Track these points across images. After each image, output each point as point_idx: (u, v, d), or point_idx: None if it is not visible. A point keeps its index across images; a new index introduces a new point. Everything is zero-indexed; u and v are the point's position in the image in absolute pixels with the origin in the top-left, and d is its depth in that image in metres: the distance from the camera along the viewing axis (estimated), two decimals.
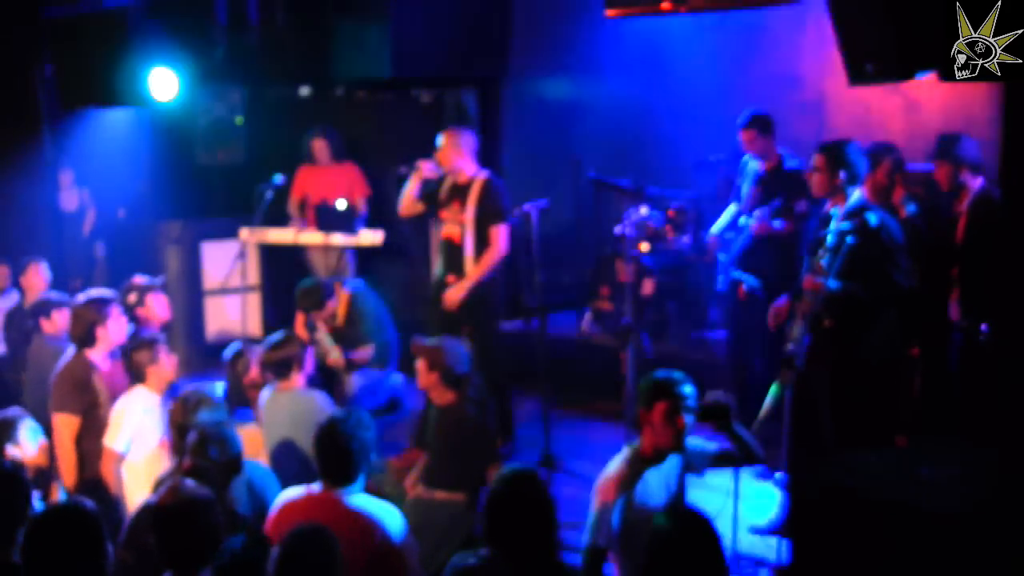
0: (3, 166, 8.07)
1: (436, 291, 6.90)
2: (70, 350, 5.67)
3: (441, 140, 6.70)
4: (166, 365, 5.39)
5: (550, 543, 3.58)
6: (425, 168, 6.71)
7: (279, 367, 5.49)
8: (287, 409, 5.40)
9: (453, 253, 6.74)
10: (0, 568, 3.59)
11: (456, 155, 6.66)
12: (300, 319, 7.46)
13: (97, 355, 5.61)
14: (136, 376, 5.37)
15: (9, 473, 3.99)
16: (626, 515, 4.21)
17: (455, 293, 6.65)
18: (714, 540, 3.31)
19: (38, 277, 7.15)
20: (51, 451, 5.20)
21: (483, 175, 6.73)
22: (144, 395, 5.32)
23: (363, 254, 8.59)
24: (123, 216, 9.35)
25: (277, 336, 5.64)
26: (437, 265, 7.01)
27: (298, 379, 5.49)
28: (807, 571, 4.34)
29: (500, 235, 6.61)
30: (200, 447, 4.30)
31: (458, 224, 6.69)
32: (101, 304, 5.66)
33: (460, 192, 6.69)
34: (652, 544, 3.29)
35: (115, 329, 5.65)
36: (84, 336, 5.57)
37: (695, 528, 3.32)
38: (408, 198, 6.84)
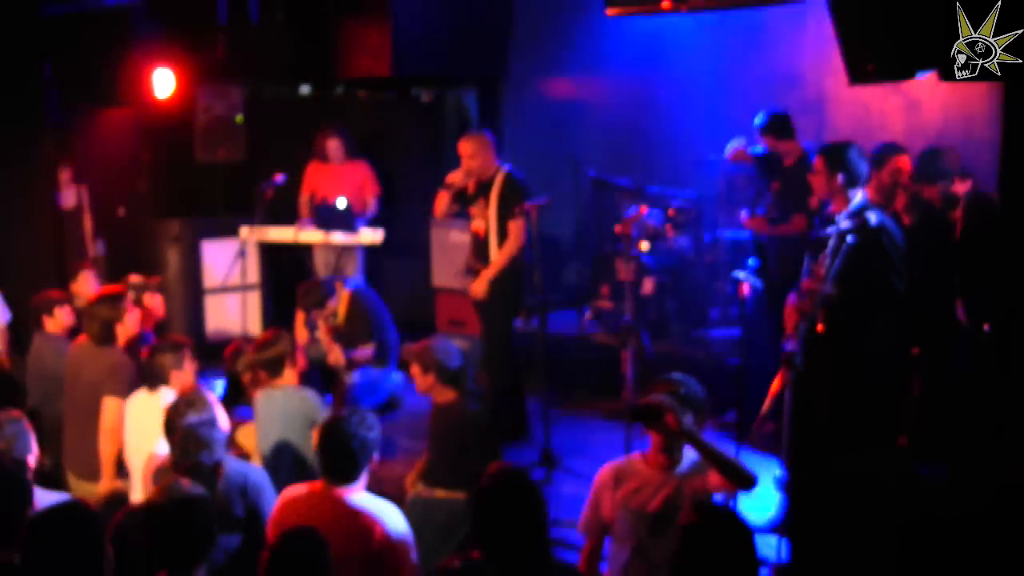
0: (3, 164, 8.06)
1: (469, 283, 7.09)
2: (90, 345, 5.72)
3: (467, 148, 6.85)
4: (189, 372, 5.40)
5: (540, 541, 3.57)
6: (455, 181, 6.91)
7: (271, 365, 5.48)
8: (280, 406, 5.41)
9: (479, 247, 6.98)
10: (0, 569, 3.58)
11: (485, 158, 6.87)
12: (300, 318, 7.47)
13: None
14: (159, 378, 5.35)
15: (9, 473, 3.99)
16: (602, 505, 4.18)
17: (478, 285, 6.88)
18: (746, 538, 3.25)
19: (89, 283, 7.12)
20: None
21: (504, 170, 6.93)
22: (168, 396, 5.30)
23: (369, 252, 8.59)
24: (123, 214, 9.34)
25: (266, 335, 5.64)
26: (468, 258, 7.19)
27: (291, 376, 5.49)
28: (807, 570, 4.35)
29: (519, 227, 6.80)
30: (181, 448, 4.34)
31: (483, 219, 6.91)
32: (115, 300, 5.77)
33: (484, 189, 6.89)
34: (683, 540, 3.25)
35: (132, 322, 5.78)
36: (104, 333, 5.67)
37: (725, 526, 3.26)
38: (442, 205, 7.01)
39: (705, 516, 3.30)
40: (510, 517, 3.48)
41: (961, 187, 5.91)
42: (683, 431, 3.98)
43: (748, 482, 3.94)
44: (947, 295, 5.87)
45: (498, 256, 6.85)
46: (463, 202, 7.03)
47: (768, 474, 5.96)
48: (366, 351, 7.21)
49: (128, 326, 5.75)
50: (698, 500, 3.91)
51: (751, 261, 6.62)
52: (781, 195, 6.90)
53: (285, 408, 5.37)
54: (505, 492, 3.53)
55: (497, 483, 3.57)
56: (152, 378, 5.36)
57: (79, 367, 5.77)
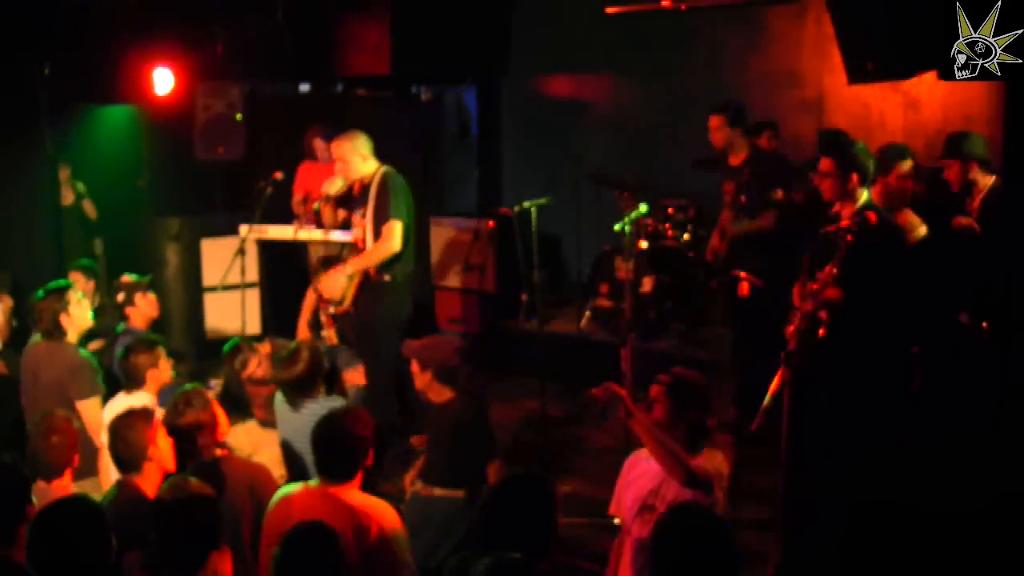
0: (3, 162, 8.06)
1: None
2: (43, 343, 5.64)
3: (336, 151, 6.55)
4: (165, 370, 5.36)
5: (548, 545, 3.56)
6: (329, 191, 6.62)
7: (305, 384, 5.28)
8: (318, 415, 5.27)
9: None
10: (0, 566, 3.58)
11: (357, 162, 6.54)
12: (305, 314, 7.46)
13: (73, 341, 5.65)
14: (135, 380, 5.30)
15: (9, 469, 3.98)
16: (621, 489, 4.23)
17: (332, 281, 6.46)
18: (720, 533, 3.27)
19: (78, 285, 7.06)
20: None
21: (380, 171, 6.59)
22: (145, 398, 5.25)
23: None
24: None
25: (287, 352, 5.38)
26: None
27: (322, 387, 5.38)
28: (805, 569, 4.35)
29: (392, 231, 6.41)
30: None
31: (362, 227, 6.61)
32: (59, 293, 5.66)
33: (364, 193, 6.59)
34: (657, 536, 3.26)
35: (79, 314, 5.67)
36: (52, 327, 5.59)
37: (698, 521, 3.28)
38: (327, 217, 6.79)
39: (676, 514, 3.32)
40: (523, 522, 3.47)
41: (982, 178, 5.87)
42: (627, 419, 4.00)
43: (687, 477, 3.91)
44: (948, 293, 5.86)
45: (362, 256, 6.41)
46: (350, 205, 6.68)
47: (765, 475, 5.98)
48: (358, 376, 7.13)
49: (75, 318, 5.63)
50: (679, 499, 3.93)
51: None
52: (741, 194, 6.73)
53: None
54: (522, 495, 3.52)
55: (514, 486, 3.56)
56: (129, 380, 5.28)
57: (37, 368, 5.64)
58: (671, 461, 3.93)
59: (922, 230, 5.79)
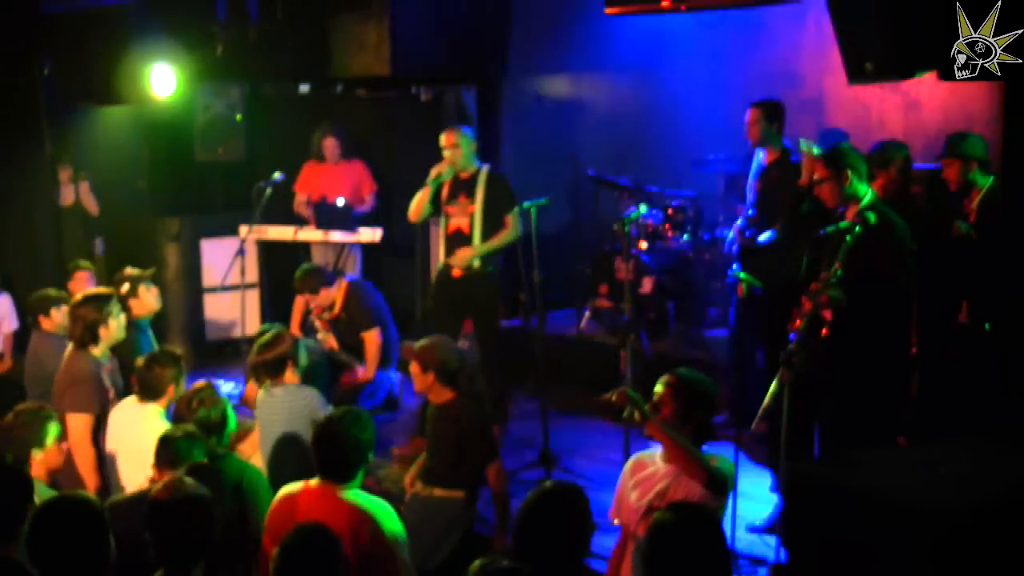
0: (2, 162, 8.06)
1: (439, 282, 6.99)
2: (70, 349, 5.63)
3: (451, 139, 6.78)
4: (182, 387, 5.22)
5: (580, 555, 3.58)
6: (441, 170, 6.80)
7: (273, 366, 5.46)
8: (283, 405, 5.40)
9: (461, 243, 6.86)
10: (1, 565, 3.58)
11: (468, 153, 6.82)
12: (296, 316, 7.48)
13: (100, 352, 5.61)
14: (154, 391, 5.16)
15: (11, 469, 3.98)
16: (624, 491, 4.22)
17: (465, 252, 6.79)
18: (716, 533, 3.29)
19: (84, 284, 7.06)
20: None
21: (486, 166, 6.93)
22: (156, 412, 5.15)
23: (367, 252, 8.60)
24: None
25: (266, 336, 5.57)
26: (440, 257, 7.04)
27: (292, 375, 5.48)
28: (804, 570, 4.35)
29: (517, 220, 6.83)
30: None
31: (467, 215, 6.82)
32: (100, 302, 5.64)
33: (465, 185, 6.83)
34: (652, 535, 3.27)
35: (116, 326, 5.65)
36: (86, 336, 5.55)
37: (695, 522, 3.29)
38: (421, 203, 6.89)
39: (669, 513, 3.32)
40: (559, 534, 3.47)
41: (981, 179, 5.86)
42: (643, 423, 4.01)
43: (708, 479, 3.91)
44: (947, 293, 5.86)
45: (494, 238, 6.79)
46: (436, 204, 6.91)
47: (765, 476, 5.99)
48: (359, 374, 7.17)
49: (112, 330, 5.61)
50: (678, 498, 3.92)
51: (735, 267, 6.51)
52: (764, 197, 6.68)
53: (289, 407, 5.37)
54: (558, 510, 3.53)
55: (552, 498, 3.57)
56: (148, 390, 5.16)
57: (59, 366, 5.64)
58: (694, 463, 3.94)
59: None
